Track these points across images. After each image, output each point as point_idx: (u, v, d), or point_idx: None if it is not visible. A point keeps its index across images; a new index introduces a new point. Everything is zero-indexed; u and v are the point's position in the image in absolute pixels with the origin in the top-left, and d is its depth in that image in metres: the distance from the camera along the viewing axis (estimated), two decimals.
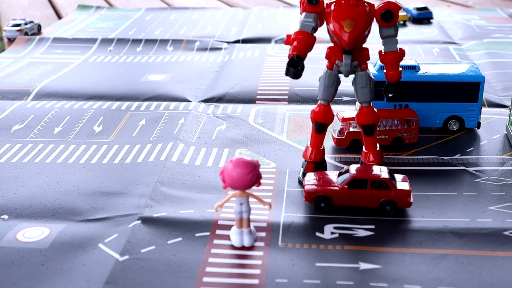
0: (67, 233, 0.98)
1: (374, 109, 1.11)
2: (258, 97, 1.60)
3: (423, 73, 1.32)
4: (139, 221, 1.00)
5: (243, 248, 0.94)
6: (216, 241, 0.95)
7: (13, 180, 1.17)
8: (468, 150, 1.26)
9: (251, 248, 0.93)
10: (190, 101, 1.57)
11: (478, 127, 1.34)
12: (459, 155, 1.24)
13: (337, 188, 1.03)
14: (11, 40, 2.29)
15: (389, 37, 1.07)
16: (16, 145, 1.32)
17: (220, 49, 2.08)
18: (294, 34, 1.05)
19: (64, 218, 1.03)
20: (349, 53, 1.06)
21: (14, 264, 0.90)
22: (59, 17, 2.76)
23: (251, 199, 0.93)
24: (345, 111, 1.31)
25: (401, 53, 1.08)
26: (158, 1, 3.03)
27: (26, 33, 2.32)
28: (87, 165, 1.23)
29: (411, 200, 1.02)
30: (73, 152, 1.28)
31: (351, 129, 1.26)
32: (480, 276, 0.87)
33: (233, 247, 0.94)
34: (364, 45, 1.07)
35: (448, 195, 1.08)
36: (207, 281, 0.86)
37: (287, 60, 1.01)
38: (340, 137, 1.27)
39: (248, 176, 0.88)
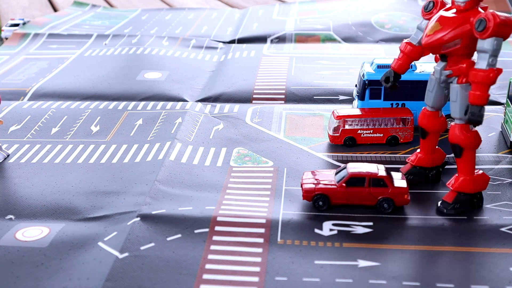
0: (67, 232, 0.98)
1: (467, 129, 1.00)
2: (254, 96, 1.60)
3: (420, 72, 1.33)
4: (138, 218, 1.00)
5: (242, 244, 0.94)
6: (215, 238, 0.96)
7: (11, 180, 1.17)
8: None
9: (250, 244, 0.94)
10: (187, 101, 1.57)
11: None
12: None
13: (335, 186, 1.03)
14: None
15: (480, 51, 0.95)
16: (14, 146, 1.32)
17: (215, 48, 2.08)
18: (403, 44, 1.12)
19: (63, 218, 1.03)
20: (443, 60, 1.02)
21: (14, 263, 0.91)
22: None
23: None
24: (342, 109, 1.32)
25: (487, 74, 0.93)
26: (159, 2, 3.03)
27: None
28: (85, 165, 1.23)
29: (409, 198, 1.03)
30: (71, 152, 1.28)
31: (346, 127, 1.27)
32: (478, 272, 0.88)
33: (232, 243, 0.94)
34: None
35: (445, 193, 1.08)
36: (207, 278, 0.86)
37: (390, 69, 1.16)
38: (335, 134, 1.27)
39: None
